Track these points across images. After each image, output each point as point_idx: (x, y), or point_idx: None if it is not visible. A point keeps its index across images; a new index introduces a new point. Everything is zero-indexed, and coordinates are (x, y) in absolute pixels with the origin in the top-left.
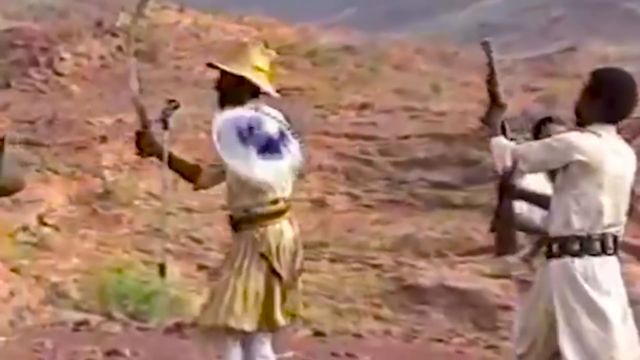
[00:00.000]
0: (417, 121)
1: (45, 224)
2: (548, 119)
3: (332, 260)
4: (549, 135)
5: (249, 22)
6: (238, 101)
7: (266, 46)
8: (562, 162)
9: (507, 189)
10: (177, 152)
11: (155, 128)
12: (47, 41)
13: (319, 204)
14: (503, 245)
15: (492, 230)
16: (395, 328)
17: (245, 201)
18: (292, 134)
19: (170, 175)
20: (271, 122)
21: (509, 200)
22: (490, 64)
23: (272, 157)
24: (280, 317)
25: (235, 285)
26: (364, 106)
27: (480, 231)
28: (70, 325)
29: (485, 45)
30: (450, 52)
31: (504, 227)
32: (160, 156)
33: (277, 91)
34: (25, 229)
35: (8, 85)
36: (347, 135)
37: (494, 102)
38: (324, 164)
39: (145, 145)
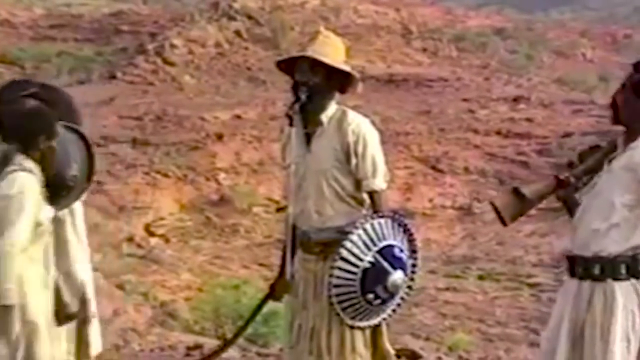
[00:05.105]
0: (582, 116)
1: (153, 234)
2: None
3: (481, 278)
4: None
5: (385, 1)
6: (326, 102)
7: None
8: None
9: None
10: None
11: (280, 123)
12: (156, 26)
13: (466, 212)
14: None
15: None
16: None
17: None
18: None
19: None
20: None
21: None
22: None
23: None
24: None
25: None
26: (518, 99)
27: None
28: (181, 350)
29: None
30: (620, 36)
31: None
32: None
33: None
34: (130, 239)
35: (112, 77)
36: (498, 133)
37: None
38: (472, 166)
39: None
